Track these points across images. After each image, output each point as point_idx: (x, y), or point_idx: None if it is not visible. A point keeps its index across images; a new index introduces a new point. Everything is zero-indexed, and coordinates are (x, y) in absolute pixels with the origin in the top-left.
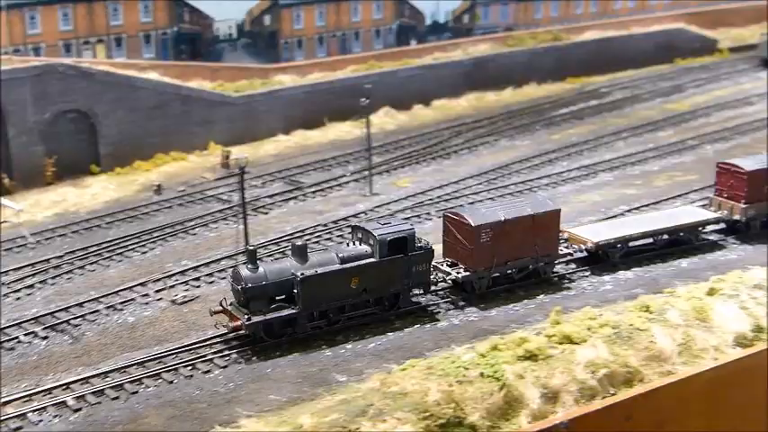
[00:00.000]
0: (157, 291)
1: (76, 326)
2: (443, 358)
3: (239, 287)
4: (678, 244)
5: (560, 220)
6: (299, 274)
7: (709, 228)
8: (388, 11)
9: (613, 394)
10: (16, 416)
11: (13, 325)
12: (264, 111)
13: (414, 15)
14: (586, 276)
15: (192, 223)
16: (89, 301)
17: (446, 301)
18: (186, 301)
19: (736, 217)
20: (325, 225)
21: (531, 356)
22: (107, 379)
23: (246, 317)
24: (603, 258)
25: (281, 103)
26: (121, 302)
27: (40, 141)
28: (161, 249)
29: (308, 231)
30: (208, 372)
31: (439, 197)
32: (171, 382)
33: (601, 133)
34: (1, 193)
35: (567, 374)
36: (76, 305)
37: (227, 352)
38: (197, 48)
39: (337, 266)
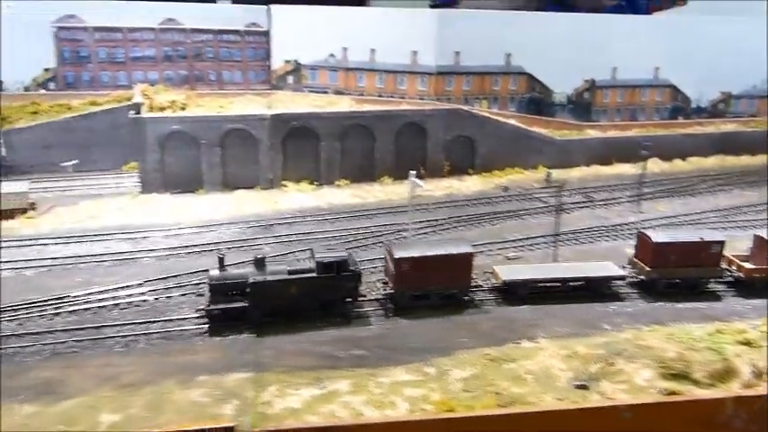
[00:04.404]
0: (498, 250)
1: None
2: (679, 329)
3: (207, 283)
4: (591, 290)
5: (472, 261)
6: (251, 279)
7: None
8: (666, 95)
9: None
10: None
11: None
12: (575, 150)
13: (683, 100)
14: None
15: (523, 212)
16: None
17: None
18: (514, 259)
19: (642, 277)
20: (605, 227)
21: (747, 343)
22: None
23: (207, 304)
24: (514, 293)
25: (586, 147)
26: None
27: (442, 151)
28: (501, 225)
29: (593, 229)
30: (513, 305)
31: (685, 221)
32: (497, 305)
33: None
34: (420, 178)
35: None
36: None
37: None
38: (540, 107)
39: (282, 276)
